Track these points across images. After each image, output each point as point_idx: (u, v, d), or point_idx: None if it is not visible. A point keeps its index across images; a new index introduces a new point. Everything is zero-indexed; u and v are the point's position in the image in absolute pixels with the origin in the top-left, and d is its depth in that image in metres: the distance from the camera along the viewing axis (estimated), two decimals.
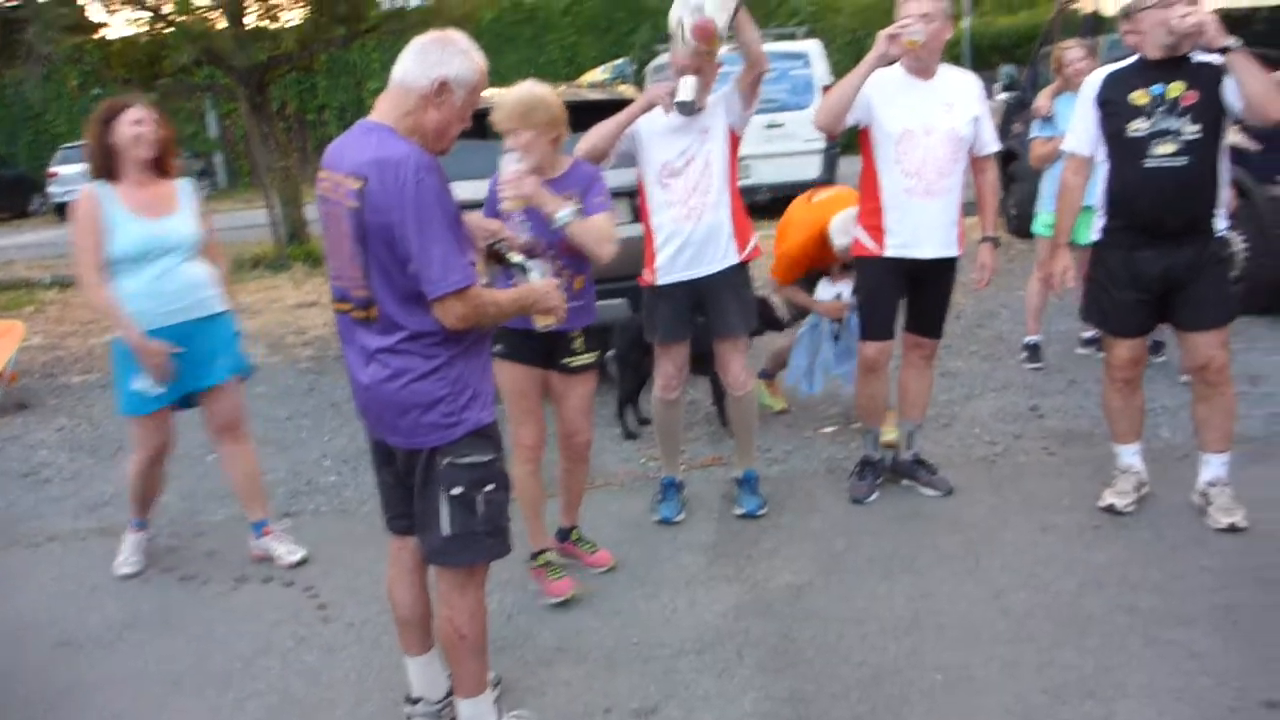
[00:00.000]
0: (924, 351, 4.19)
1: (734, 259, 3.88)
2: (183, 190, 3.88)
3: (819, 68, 11.65)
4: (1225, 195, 3.62)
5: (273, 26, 10.46)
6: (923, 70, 3.86)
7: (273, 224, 11.20)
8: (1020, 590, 3.34)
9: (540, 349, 3.42)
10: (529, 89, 3.25)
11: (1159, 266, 3.56)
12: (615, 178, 5.34)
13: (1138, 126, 3.49)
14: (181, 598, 3.82)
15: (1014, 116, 9.31)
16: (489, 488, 2.50)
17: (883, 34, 3.65)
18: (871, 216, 3.96)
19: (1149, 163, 3.48)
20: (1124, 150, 3.55)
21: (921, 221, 3.86)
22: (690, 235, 3.82)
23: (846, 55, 17.58)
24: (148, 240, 3.68)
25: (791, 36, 12.67)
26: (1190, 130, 3.44)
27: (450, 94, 2.37)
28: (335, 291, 2.54)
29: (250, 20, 10.54)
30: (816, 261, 4.79)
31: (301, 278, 10.46)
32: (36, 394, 7.00)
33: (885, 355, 4.10)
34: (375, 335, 2.44)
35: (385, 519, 2.75)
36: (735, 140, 3.88)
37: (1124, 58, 3.78)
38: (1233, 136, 3.71)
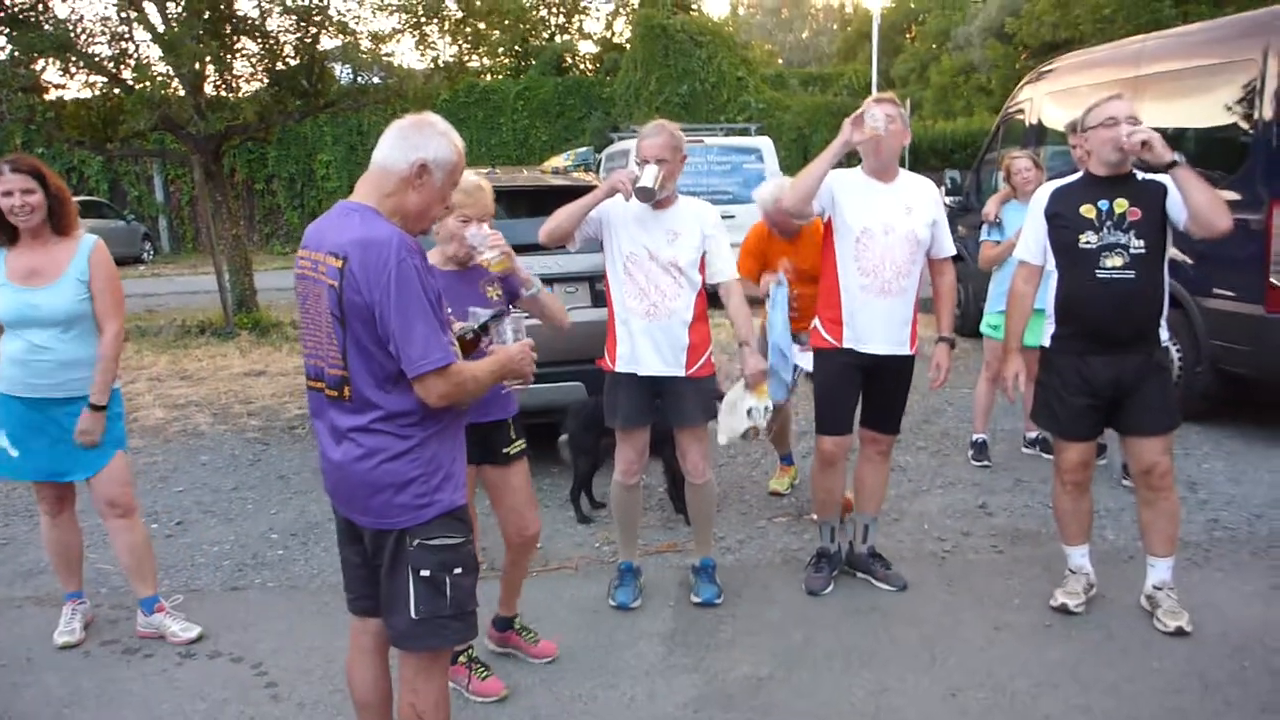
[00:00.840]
0: (880, 446, 4.25)
1: (680, 371, 3.90)
2: (79, 253, 3.68)
3: (770, 162, 11.98)
4: (1166, 306, 3.80)
5: (232, 98, 10.47)
6: (883, 173, 4.00)
7: (221, 291, 11.08)
8: (978, 689, 3.38)
9: (476, 443, 3.20)
10: (477, 179, 3.33)
11: (1110, 373, 3.70)
12: (577, 262, 5.49)
13: (1088, 240, 3.66)
14: (124, 673, 3.70)
15: (958, 221, 9.64)
16: (457, 570, 2.48)
17: (848, 120, 3.83)
18: (830, 309, 4.07)
19: (1100, 274, 3.64)
20: (1075, 261, 3.71)
21: (876, 318, 3.97)
22: (646, 330, 3.87)
23: (794, 151, 18.08)
24: (17, 309, 3.60)
25: (745, 132, 13.03)
26: (1136, 245, 3.62)
27: (430, 175, 2.42)
28: (309, 370, 2.54)
29: (209, 89, 10.57)
30: (767, 250, 5.10)
31: (248, 346, 10.34)
32: None
33: (842, 449, 4.17)
34: (349, 414, 2.44)
35: (348, 599, 2.71)
36: (703, 265, 3.94)
37: (1067, 169, 4.00)
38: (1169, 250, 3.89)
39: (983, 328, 5.95)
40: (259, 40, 10.30)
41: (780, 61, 44.97)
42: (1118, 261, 3.63)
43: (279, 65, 10.36)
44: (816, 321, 4.14)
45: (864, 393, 4.15)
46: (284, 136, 21.89)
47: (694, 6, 28.05)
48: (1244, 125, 6.04)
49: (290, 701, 3.46)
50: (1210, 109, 6.39)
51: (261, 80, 10.43)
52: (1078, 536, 3.99)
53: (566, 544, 4.87)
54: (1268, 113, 5.80)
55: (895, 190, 3.99)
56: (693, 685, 3.48)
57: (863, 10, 40.07)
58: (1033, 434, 6.00)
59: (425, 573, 2.44)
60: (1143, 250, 3.63)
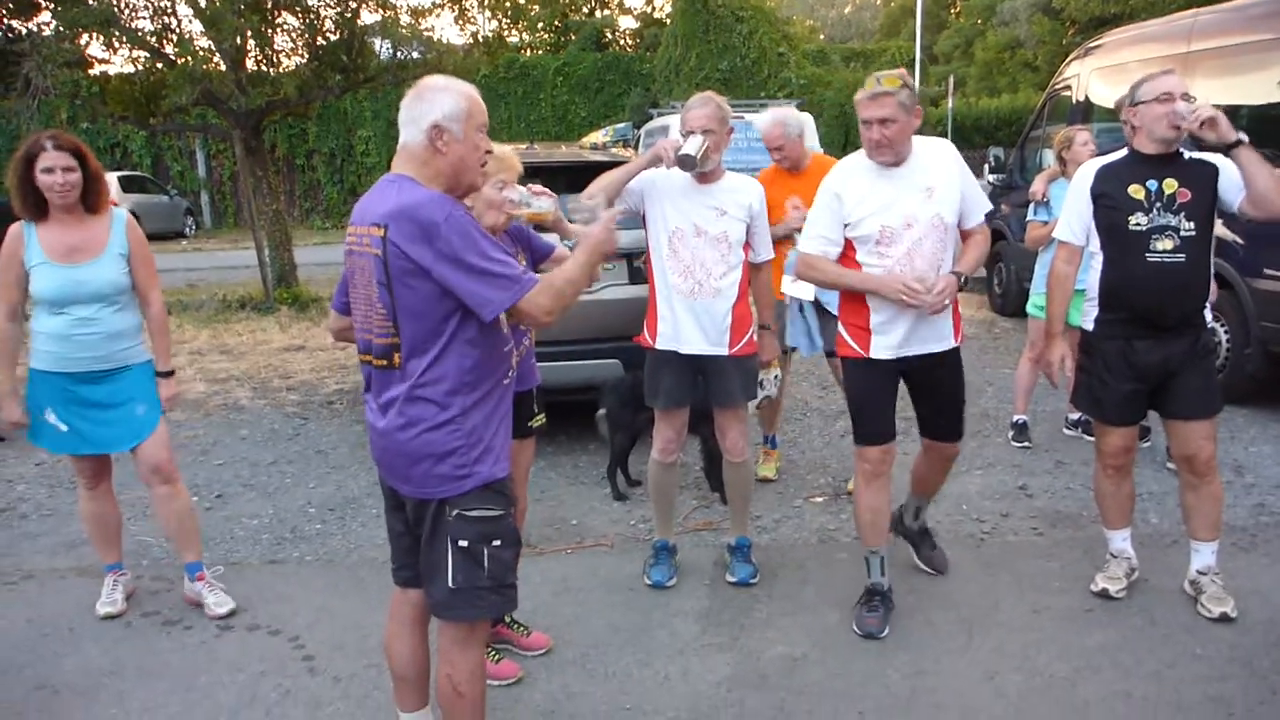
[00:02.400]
0: (943, 453, 3.87)
1: (724, 350, 3.85)
2: (115, 228, 3.74)
3: (811, 139, 11.84)
4: (1212, 288, 3.71)
5: (273, 73, 10.52)
6: (894, 160, 3.48)
7: (261, 266, 11.18)
8: (1015, 673, 3.33)
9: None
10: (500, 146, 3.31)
11: (1158, 356, 3.61)
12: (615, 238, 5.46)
13: (1138, 222, 3.55)
14: (164, 644, 3.74)
15: (1000, 198, 9.50)
16: (496, 543, 2.49)
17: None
18: (854, 315, 3.62)
19: (1150, 257, 3.54)
20: (1124, 244, 3.59)
21: (909, 321, 3.52)
22: (689, 309, 3.83)
23: (835, 127, 17.88)
24: (62, 287, 3.61)
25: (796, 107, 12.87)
26: (1187, 227, 3.52)
27: (448, 132, 2.42)
28: (360, 344, 2.57)
29: (250, 64, 10.62)
30: (774, 189, 4.64)
31: (288, 321, 10.43)
32: None
33: (887, 460, 3.68)
34: (394, 383, 2.46)
35: (392, 569, 2.74)
36: (747, 248, 3.89)
37: (1114, 147, 3.89)
38: (1217, 230, 3.79)
39: (1029, 308, 5.85)
40: (300, 15, 10.32)
41: (822, 37, 44.49)
42: (1168, 245, 3.53)
43: (319, 40, 10.38)
44: (841, 327, 3.69)
45: (913, 396, 3.75)
46: (324, 112, 22.01)
47: None
48: None
49: (327, 675, 3.49)
50: (1265, 86, 6.22)
51: (302, 55, 10.46)
52: (1119, 520, 3.92)
53: (602, 521, 4.87)
54: None
55: (910, 173, 3.47)
56: (727, 664, 3.46)
57: None
58: (1075, 415, 5.91)
59: (463, 543, 2.45)
60: (1193, 232, 3.53)
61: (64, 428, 3.74)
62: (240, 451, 6.22)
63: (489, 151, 2.56)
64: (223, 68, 10.15)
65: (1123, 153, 3.72)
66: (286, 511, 5.15)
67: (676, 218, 3.80)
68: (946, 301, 3.46)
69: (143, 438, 3.83)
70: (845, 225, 3.49)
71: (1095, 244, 3.73)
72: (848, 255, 3.56)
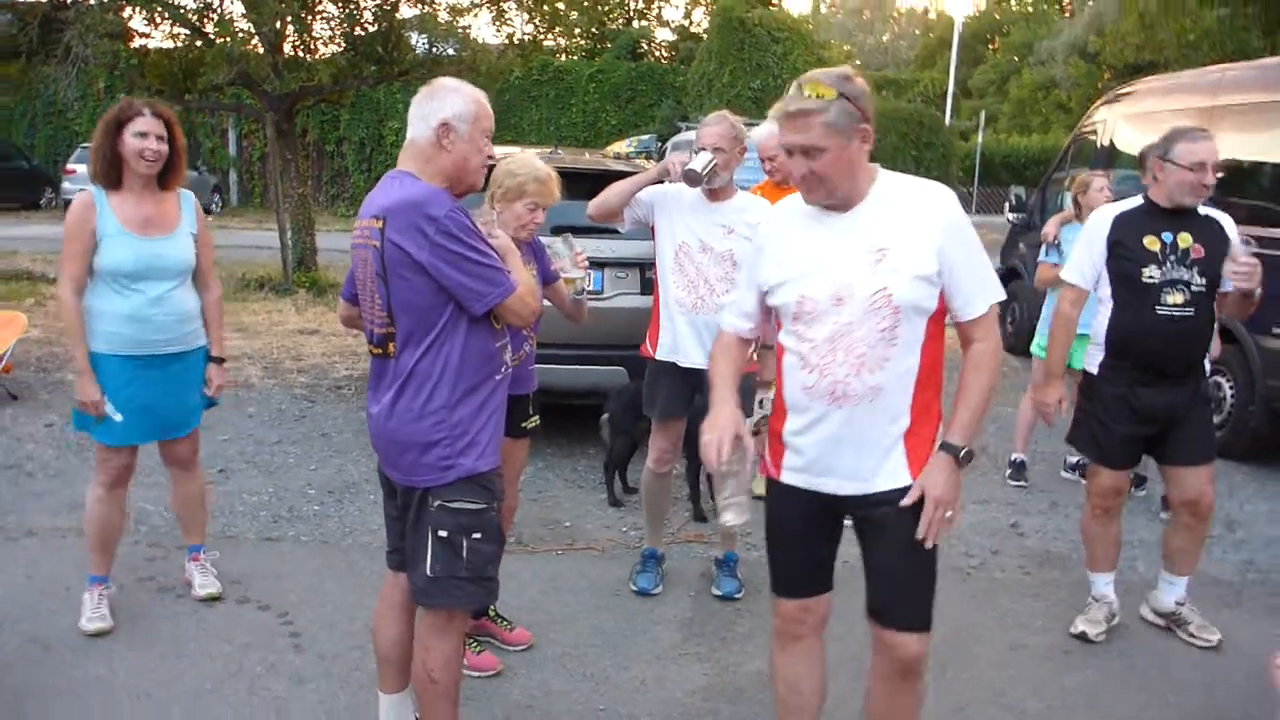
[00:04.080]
0: (898, 656, 2.48)
1: None
2: (185, 206, 3.68)
3: None
4: (1216, 343, 3.77)
5: (309, 59, 10.63)
6: (834, 202, 2.41)
7: (283, 248, 11.29)
8: (987, 706, 3.37)
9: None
10: (549, 170, 3.41)
11: (1161, 401, 3.67)
12: (630, 248, 5.52)
13: (1150, 274, 3.60)
14: (156, 610, 3.82)
15: (1019, 237, 9.54)
16: (476, 535, 2.55)
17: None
18: (775, 417, 2.59)
19: (1160, 310, 3.60)
20: (1135, 295, 3.64)
21: (830, 438, 2.41)
22: (691, 323, 3.88)
23: None
24: (138, 260, 3.49)
25: None
26: (1198, 282, 3.59)
27: (454, 131, 2.51)
28: (366, 333, 2.66)
29: (288, 49, 10.74)
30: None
31: (304, 304, 10.53)
32: (29, 387, 7.00)
33: (808, 619, 2.63)
34: (389, 373, 2.56)
35: (386, 552, 2.83)
36: None
37: (1136, 193, 3.93)
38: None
39: (1034, 348, 5.89)
40: (340, 4, 10.44)
41: (857, 63, 44.60)
42: (1179, 298, 3.59)
43: (357, 30, 10.49)
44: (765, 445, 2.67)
45: (864, 558, 2.53)
46: (357, 101, 22.15)
47: (775, 1, 27.93)
48: None
49: (311, 652, 3.55)
50: None
51: (339, 44, 10.57)
52: (1104, 563, 3.96)
53: (595, 525, 4.92)
54: None
55: (857, 225, 2.36)
56: (703, 674, 3.51)
57: (945, 16, 39.58)
58: (1074, 459, 5.93)
59: (443, 533, 2.53)
60: (1203, 288, 3.60)
61: (119, 417, 3.55)
62: (246, 429, 6.31)
63: (491, 157, 2.65)
64: (260, 50, 10.27)
65: (1138, 200, 3.76)
66: (286, 491, 5.23)
67: (684, 232, 3.86)
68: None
69: (189, 429, 3.80)
70: (763, 291, 2.50)
71: (1104, 289, 3.77)
72: (778, 328, 2.55)
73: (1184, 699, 3.45)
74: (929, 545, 2.38)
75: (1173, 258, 3.59)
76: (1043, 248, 5.79)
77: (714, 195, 3.85)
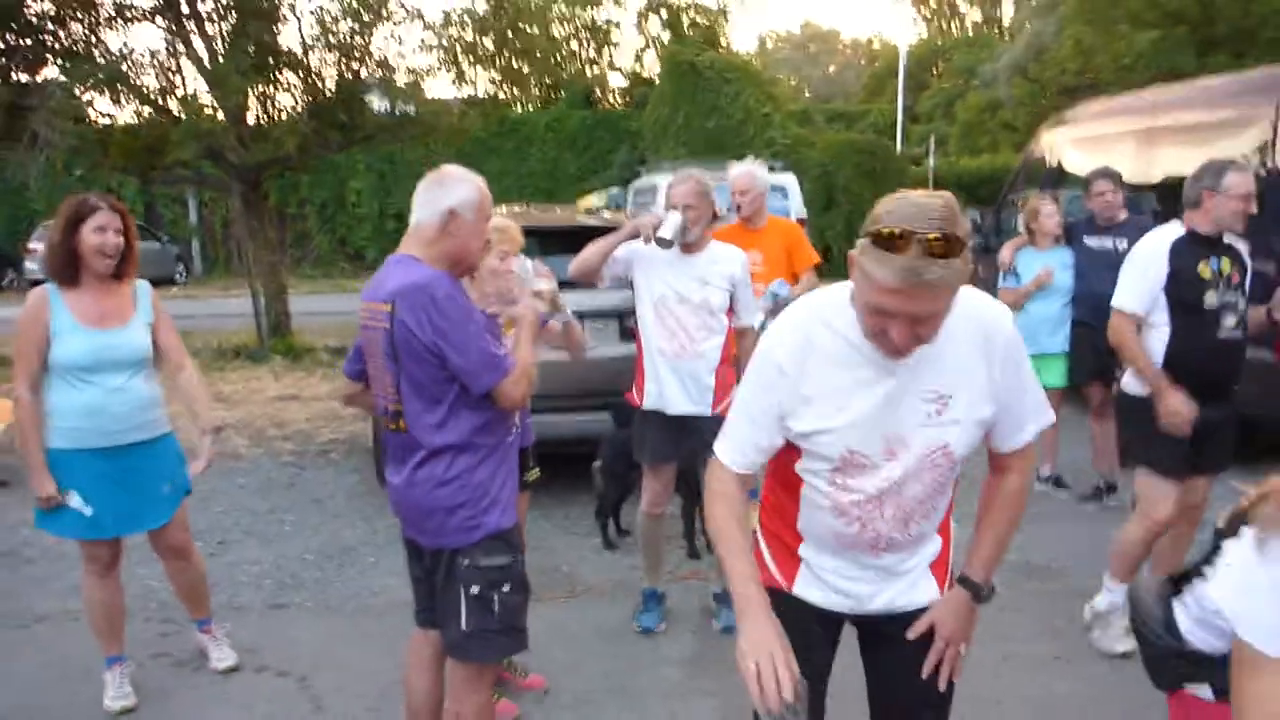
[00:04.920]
0: None
1: (707, 410, 4.05)
2: (140, 296, 3.70)
3: (795, 200, 12.23)
4: None
5: (272, 128, 10.79)
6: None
7: (257, 316, 11.38)
8: (982, 716, 3.54)
9: None
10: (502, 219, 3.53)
11: (1215, 416, 3.87)
12: (607, 298, 5.71)
13: (1210, 301, 3.81)
14: (175, 684, 3.91)
15: (977, 260, 9.83)
16: (505, 588, 2.71)
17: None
18: (777, 520, 2.33)
19: (1220, 334, 3.83)
20: (1199, 321, 3.82)
21: (859, 575, 2.19)
22: (674, 371, 4.05)
23: (819, 187, 18.30)
24: (92, 352, 3.49)
25: (770, 169, 13.28)
26: (1241, 305, 3.86)
27: (460, 218, 2.67)
28: (378, 408, 2.82)
29: (251, 119, 10.91)
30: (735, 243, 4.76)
31: (282, 370, 10.62)
32: (17, 472, 7.04)
33: None
34: (405, 445, 2.71)
35: (415, 611, 2.96)
36: (731, 312, 4.10)
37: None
38: None
39: None
40: (301, 75, 10.64)
41: (807, 95, 45.37)
42: (1231, 321, 3.84)
43: (318, 99, 10.69)
44: (764, 545, 2.32)
45: (867, 672, 2.35)
46: (316, 163, 22.34)
47: (722, 40, 28.46)
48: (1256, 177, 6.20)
49: (331, 713, 3.67)
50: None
51: (302, 114, 10.75)
52: (1132, 574, 4.06)
53: (592, 570, 5.06)
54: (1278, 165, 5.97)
55: (918, 366, 1.97)
56: (712, 710, 3.65)
57: (890, 46, 40.44)
58: (1046, 472, 6.15)
59: (475, 590, 2.68)
60: (1244, 310, 3.87)
61: (89, 511, 3.54)
62: (239, 499, 6.39)
63: (488, 240, 2.83)
64: (225, 124, 10.43)
65: (1178, 229, 3.87)
66: (285, 558, 5.33)
67: (661, 286, 4.04)
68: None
69: (166, 519, 3.79)
70: (784, 421, 2.06)
71: (1159, 315, 3.88)
72: (780, 458, 2.17)
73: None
74: (941, 686, 2.18)
75: (1222, 283, 3.81)
76: (1000, 273, 6.04)
77: (687, 249, 4.04)
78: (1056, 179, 8.76)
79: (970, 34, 43.58)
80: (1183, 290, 3.81)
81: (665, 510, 4.33)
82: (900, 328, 1.81)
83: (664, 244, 3.92)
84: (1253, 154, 6.25)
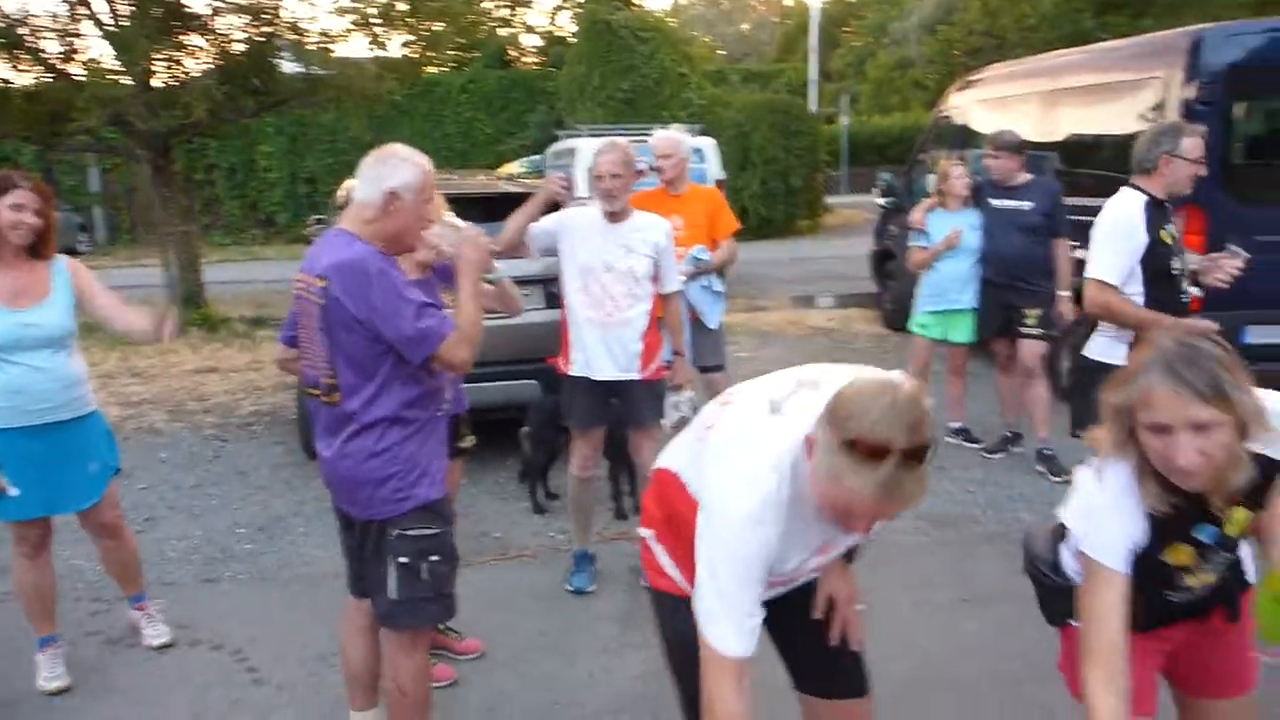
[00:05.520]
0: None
1: (635, 375, 4.18)
2: (57, 273, 3.64)
3: (713, 162, 12.33)
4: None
5: (182, 93, 10.50)
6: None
7: (169, 287, 11.14)
8: (901, 658, 3.75)
9: None
10: None
11: None
12: (529, 265, 5.76)
13: (1176, 265, 3.96)
14: (111, 661, 3.93)
15: (890, 219, 10.09)
16: (434, 558, 2.80)
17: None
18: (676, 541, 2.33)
19: (1183, 299, 3.99)
20: (1169, 286, 3.93)
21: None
22: (601, 339, 4.16)
23: (733, 148, 18.42)
24: (9, 332, 3.45)
25: (690, 132, 13.36)
26: (1192, 264, 4.02)
27: (400, 199, 2.71)
28: (307, 378, 2.86)
29: (157, 83, 10.61)
30: (657, 209, 4.79)
31: (199, 343, 10.43)
32: None
33: None
34: (337, 417, 2.76)
35: (348, 580, 3.04)
36: (656, 278, 4.20)
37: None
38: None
39: (911, 325, 6.33)
40: (209, 38, 10.37)
41: (721, 53, 45.43)
42: (1187, 284, 3.99)
43: (229, 63, 10.44)
44: (657, 550, 2.35)
45: (784, 652, 2.48)
46: (227, 128, 21.76)
47: (635, 1, 28.28)
48: None
49: (271, 684, 3.73)
50: (1123, 120, 6.85)
51: (212, 78, 10.49)
52: None
53: (523, 534, 5.17)
54: None
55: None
56: (644, 661, 3.80)
57: (802, 4, 40.65)
58: (955, 424, 6.40)
59: (404, 559, 2.76)
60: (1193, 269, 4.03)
61: (15, 491, 3.52)
62: (162, 474, 6.34)
63: (430, 220, 2.86)
64: (133, 90, 10.14)
65: (1135, 195, 3.93)
66: (215, 532, 5.33)
67: (586, 255, 4.13)
68: None
69: (96, 498, 3.77)
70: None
71: (1135, 285, 3.92)
72: (682, 516, 2.17)
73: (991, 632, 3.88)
74: (854, 646, 2.37)
75: (1178, 247, 3.97)
76: (911, 233, 6.25)
77: (613, 217, 4.13)
78: (965, 140, 9.01)
79: None
80: (1157, 258, 3.87)
81: (595, 473, 4.45)
82: (865, 522, 1.85)
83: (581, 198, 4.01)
84: (1150, 114, 6.52)
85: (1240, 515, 1.99)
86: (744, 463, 1.95)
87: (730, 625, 1.95)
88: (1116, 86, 6.93)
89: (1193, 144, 3.93)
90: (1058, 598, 2.22)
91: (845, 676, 2.43)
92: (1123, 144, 6.83)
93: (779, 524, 1.93)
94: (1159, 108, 6.41)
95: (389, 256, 2.71)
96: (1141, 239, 3.85)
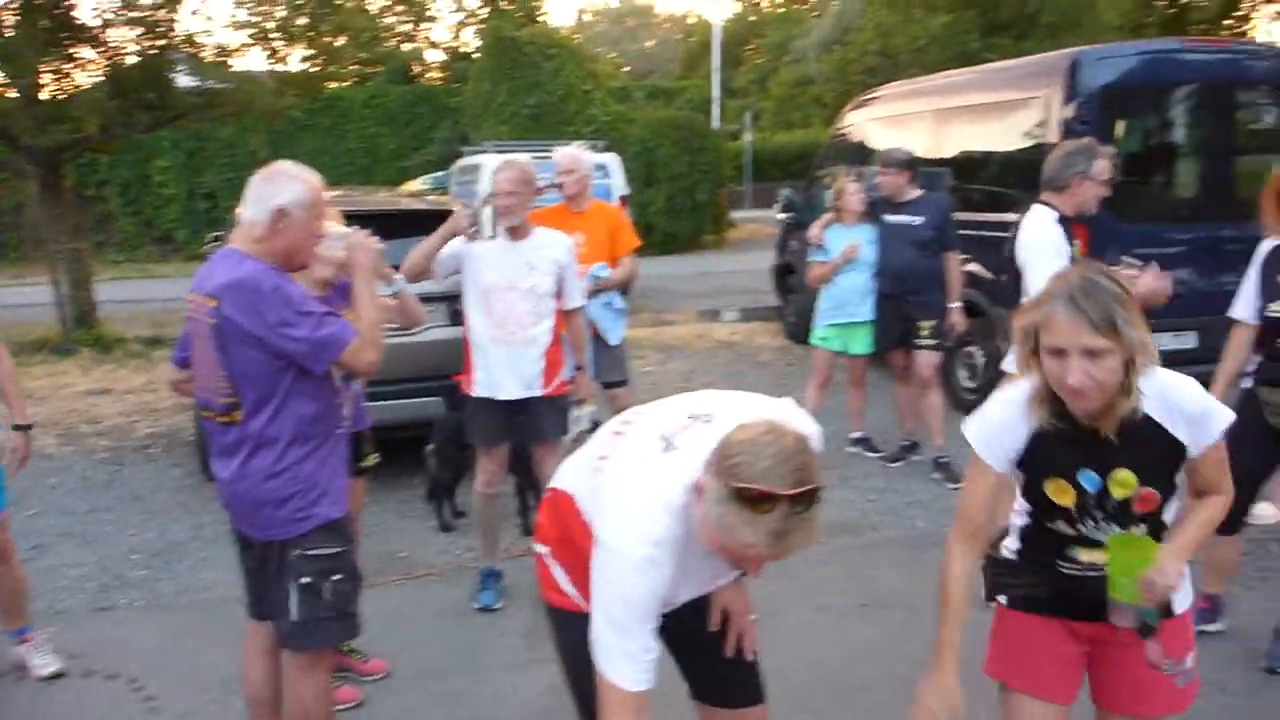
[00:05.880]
0: None
1: (538, 392, 4.21)
2: None
3: (617, 178, 12.45)
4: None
5: (71, 106, 10.19)
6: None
7: (59, 306, 10.78)
8: (800, 664, 3.84)
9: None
10: None
11: None
12: (430, 285, 5.74)
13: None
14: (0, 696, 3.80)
15: (791, 234, 10.30)
16: (336, 577, 2.79)
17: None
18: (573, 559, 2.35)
19: None
20: None
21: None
22: (504, 357, 4.18)
23: (639, 164, 18.57)
24: None
25: (593, 148, 13.44)
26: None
27: (289, 217, 2.70)
28: (199, 400, 2.84)
29: (46, 97, 10.28)
30: (559, 226, 4.86)
31: (90, 364, 10.11)
32: None
33: None
34: (235, 438, 2.73)
35: (247, 604, 3.00)
36: (559, 295, 4.24)
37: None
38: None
39: (812, 338, 6.48)
40: (100, 50, 10.09)
41: (626, 70, 45.75)
42: None
43: (121, 76, 10.17)
44: (555, 569, 2.40)
45: (680, 652, 2.51)
46: (120, 142, 21.14)
47: (539, 15, 28.33)
48: (1034, 154, 6.75)
49: (169, 712, 3.65)
50: (1007, 137, 7.14)
51: (103, 92, 10.21)
52: None
53: (430, 552, 5.15)
54: (1054, 142, 6.52)
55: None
56: (552, 675, 3.79)
57: (705, 21, 41.22)
58: (856, 434, 6.57)
59: (306, 579, 2.74)
60: None
61: None
62: (53, 500, 6.14)
63: (322, 236, 2.85)
64: (17, 104, 9.83)
65: (1048, 213, 4.11)
66: (110, 559, 5.18)
67: (490, 275, 4.14)
68: None
69: None
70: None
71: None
72: (578, 541, 2.22)
73: (967, 634, 4.02)
74: (747, 656, 2.47)
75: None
76: (811, 247, 6.40)
77: (514, 234, 4.16)
78: (862, 156, 9.25)
79: (781, 10, 44.86)
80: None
81: (500, 489, 4.46)
82: (757, 564, 1.90)
83: (488, 238, 4.04)
84: (1035, 132, 6.81)
85: (1126, 478, 2.14)
86: (637, 505, 2.00)
87: (627, 661, 1.99)
88: (1003, 105, 7.22)
89: (1105, 165, 4.14)
90: (989, 569, 2.48)
91: (740, 685, 2.51)
92: (1009, 160, 7.18)
93: (672, 565, 1.99)
94: (1042, 126, 6.71)
95: (282, 272, 2.70)
96: (1067, 253, 4.01)
